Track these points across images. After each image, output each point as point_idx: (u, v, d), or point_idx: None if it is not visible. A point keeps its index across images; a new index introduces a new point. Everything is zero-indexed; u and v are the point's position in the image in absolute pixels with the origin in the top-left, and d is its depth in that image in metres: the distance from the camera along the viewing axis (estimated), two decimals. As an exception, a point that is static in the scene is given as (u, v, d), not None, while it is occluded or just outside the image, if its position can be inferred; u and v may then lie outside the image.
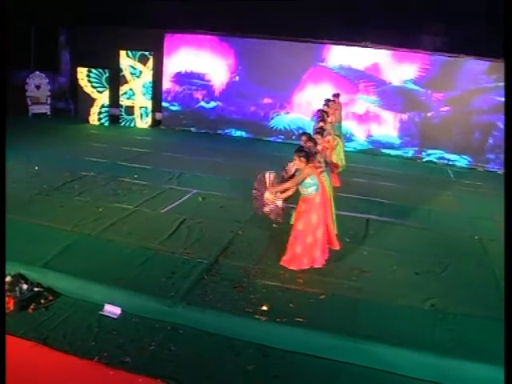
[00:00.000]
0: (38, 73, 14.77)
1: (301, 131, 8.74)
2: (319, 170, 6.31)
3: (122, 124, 14.66)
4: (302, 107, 13.93)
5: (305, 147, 6.18)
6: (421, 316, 5.19)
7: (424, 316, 5.20)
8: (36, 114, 14.70)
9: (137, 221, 7.19)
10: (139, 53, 14.19)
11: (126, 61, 14.27)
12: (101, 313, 5.10)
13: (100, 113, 14.45)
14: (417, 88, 13.19)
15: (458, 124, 13.09)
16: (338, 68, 13.56)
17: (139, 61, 14.25)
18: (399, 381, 4.41)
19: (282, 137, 14.31)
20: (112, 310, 5.13)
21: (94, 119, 14.46)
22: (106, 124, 14.51)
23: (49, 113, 14.96)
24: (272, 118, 14.38)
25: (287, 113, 14.24)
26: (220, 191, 8.82)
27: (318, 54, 13.71)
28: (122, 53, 14.21)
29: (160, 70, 14.60)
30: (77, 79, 14.41)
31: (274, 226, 7.03)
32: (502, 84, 12.05)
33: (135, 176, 9.35)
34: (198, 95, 14.77)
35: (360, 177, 10.34)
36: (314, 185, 5.86)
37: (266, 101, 14.33)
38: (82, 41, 14.97)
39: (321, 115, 8.40)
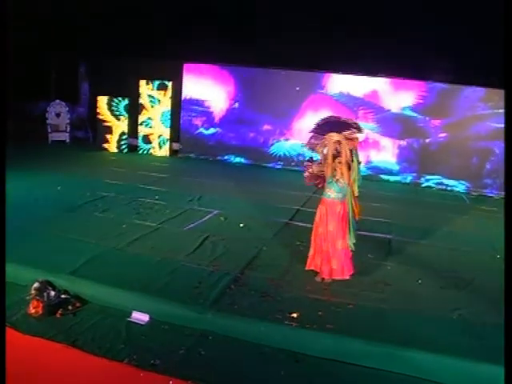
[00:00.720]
0: (58, 101, 15.12)
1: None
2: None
3: (140, 152, 14.84)
4: (302, 134, 14.04)
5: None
6: (449, 324, 5.14)
7: (452, 324, 5.14)
8: (55, 141, 14.97)
9: (161, 237, 7.22)
10: (158, 82, 14.48)
11: (145, 89, 14.56)
12: (128, 319, 5.08)
13: (119, 141, 14.67)
14: (415, 115, 13.39)
15: (455, 150, 13.23)
16: (337, 95, 13.79)
17: (158, 89, 14.53)
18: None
19: (282, 163, 14.48)
20: (140, 316, 5.12)
21: (112, 147, 14.67)
22: (125, 152, 14.69)
23: (68, 140, 15.24)
24: (272, 145, 14.54)
25: (287, 139, 14.39)
26: (240, 212, 8.87)
27: (318, 82, 13.98)
28: (142, 82, 14.51)
29: (179, 99, 14.83)
30: (96, 108, 14.70)
31: (298, 243, 7.05)
32: (497, 111, 12.40)
33: (156, 197, 9.43)
34: (198, 122, 14.96)
35: (370, 201, 10.34)
36: (342, 191, 5.88)
37: (266, 127, 14.53)
38: (102, 71, 15.33)
39: None
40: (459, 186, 13.36)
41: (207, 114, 14.92)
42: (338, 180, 5.85)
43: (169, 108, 14.68)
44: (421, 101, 13.32)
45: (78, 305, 5.27)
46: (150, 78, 14.58)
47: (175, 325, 4.99)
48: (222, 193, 10.38)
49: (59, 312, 5.10)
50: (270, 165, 14.56)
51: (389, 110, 13.54)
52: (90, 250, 6.35)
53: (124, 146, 14.77)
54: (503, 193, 12.37)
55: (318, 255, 6.06)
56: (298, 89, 13.96)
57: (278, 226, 8.28)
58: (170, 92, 14.61)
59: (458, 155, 13.27)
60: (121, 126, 14.61)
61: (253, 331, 4.87)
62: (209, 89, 14.73)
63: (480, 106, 12.95)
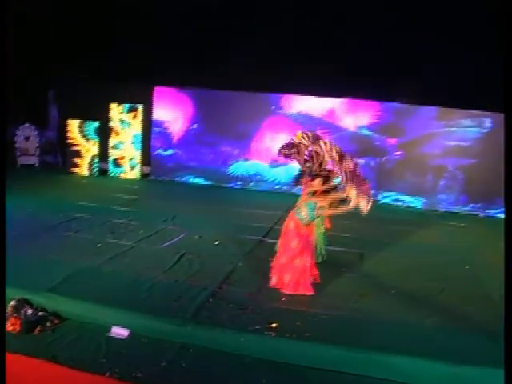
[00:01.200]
0: (27, 124, 15.00)
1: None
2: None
3: (111, 175, 14.81)
4: (261, 154, 14.33)
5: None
6: (424, 330, 5.31)
7: (427, 330, 5.31)
8: (24, 164, 14.80)
9: (137, 255, 7.25)
10: (128, 105, 14.56)
11: (115, 113, 14.61)
12: (108, 334, 5.08)
13: (90, 164, 14.61)
14: (371, 134, 13.78)
15: (411, 167, 13.68)
16: (295, 115, 14.14)
17: (128, 112, 14.59)
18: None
19: (240, 183, 14.74)
20: (119, 331, 5.12)
21: (83, 170, 14.60)
22: (96, 175, 14.64)
23: (37, 164, 15.09)
24: (230, 165, 14.73)
25: (246, 160, 14.59)
26: (214, 231, 8.92)
27: (277, 103, 14.33)
28: (112, 105, 14.56)
29: (149, 122, 14.92)
30: (66, 132, 14.65)
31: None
32: (450, 129, 13.11)
33: (129, 218, 9.42)
34: (156, 143, 15.06)
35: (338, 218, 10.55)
36: (311, 213, 6.07)
37: (225, 148, 14.73)
38: (71, 95, 15.30)
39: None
40: (415, 202, 13.74)
41: (165, 136, 15.05)
42: (314, 201, 6.05)
43: (139, 131, 14.71)
44: (377, 120, 13.76)
45: (56, 322, 5.24)
46: (120, 102, 14.63)
47: (155, 338, 5.02)
48: (194, 213, 10.44)
49: (37, 329, 5.06)
50: (230, 185, 14.74)
51: (346, 129, 13.91)
52: (67, 268, 6.32)
53: (95, 170, 14.71)
54: (459, 207, 12.90)
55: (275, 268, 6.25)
56: (273, 107, 14.24)
57: (252, 243, 8.38)
58: (140, 115, 14.66)
59: (414, 172, 13.71)
60: (91, 149, 14.57)
61: (233, 342, 4.93)
62: (167, 110, 14.88)
63: (434, 125, 13.43)
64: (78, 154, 14.60)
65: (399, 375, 4.56)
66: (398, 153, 13.72)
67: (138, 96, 14.75)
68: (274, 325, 5.14)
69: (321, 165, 6.63)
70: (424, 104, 13.41)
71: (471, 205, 13.35)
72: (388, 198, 13.81)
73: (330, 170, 6.55)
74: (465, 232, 10.98)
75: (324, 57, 13.34)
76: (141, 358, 4.69)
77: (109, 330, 5.13)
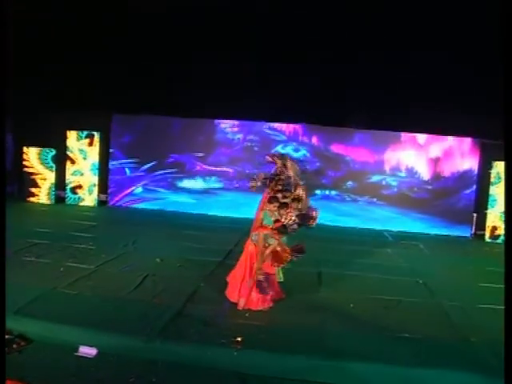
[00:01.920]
0: (-19, 153, 14.74)
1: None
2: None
3: (69, 202, 14.72)
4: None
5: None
6: (383, 339, 5.62)
7: (386, 339, 5.63)
8: (-22, 193, 14.51)
9: (100, 277, 7.33)
10: (86, 132, 14.60)
11: (72, 140, 14.61)
12: (76, 354, 5.15)
13: (47, 192, 14.50)
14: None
15: None
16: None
17: (85, 139, 14.62)
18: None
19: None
20: (87, 350, 5.21)
21: (40, 198, 14.47)
22: (53, 203, 14.53)
23: (-9, 193, 14.81)
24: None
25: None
26: (174, 254, 9.06)
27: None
28: (69, 133, 14.57)
29: (107, 149, 14.97)
30: (22, 160, 14.53)
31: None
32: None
33: (90, 243, 9.45)
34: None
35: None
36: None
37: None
38: (28, 122, 15.17)
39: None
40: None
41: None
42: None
43: (97, 159, 14.74)
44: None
45: (22, 343, 5.28)
46: (76, 129, 14.64)
47: (124, 355, 5.12)
48: (153, 237, 10.56)
49: (6, 350, 5.07)
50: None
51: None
52: (31, 291, 6.36)
53: (52, 197, 14.60)
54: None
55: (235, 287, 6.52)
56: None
57: (213, 264, 8.54)
58: (97, 142, 14.71)
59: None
60: (48, 177, 14.49)
61: (200, 356, 5.10)
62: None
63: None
64: (35, 182, 14.45)
65: (356, 380, 4.82)
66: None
67: (95, 123, 14.78)
68: (238, 338, 5.32)
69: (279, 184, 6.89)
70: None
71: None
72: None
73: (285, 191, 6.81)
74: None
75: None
76: (110, 375, 4.79)
77: (76, 349, 5.20)
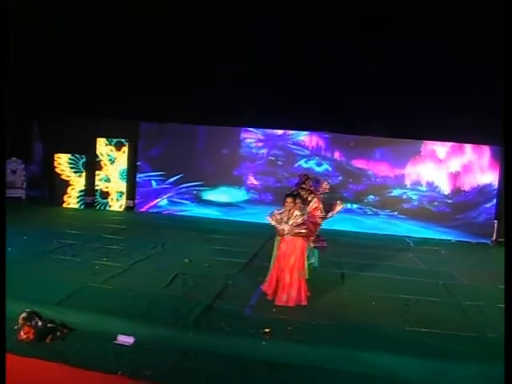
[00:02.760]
0: (14, 158, 15.35)
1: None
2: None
3: (97, 207, 15.22)
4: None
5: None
6: (403, 332, 5.90)
7: (405, 334, 5.90)
8: (11, 197, 15.07)
9: (133, 275, 7.71)
10: (115, 140, 15.12)
11: (102, 147, 15.14)
12: (115, 342, 5.51)
13: (76, 197, 15.03)
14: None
15: None
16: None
17: (115, 147, 15.14)
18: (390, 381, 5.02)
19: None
20: (125, 339, 5.56)
21: (69, 203, 14.99)
22: (82, 207, 15.04)
23: (23, 197, 15.40)
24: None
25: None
26: (202, 256, 9.42)
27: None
28: (99, 140, 15.10)
29: (135, 156, 15.46)
30: (53, 166, 15.08)
31: (260, 278, 7.68)
32: None
33: (121, 245, 9.86)
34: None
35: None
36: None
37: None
38: (58, 129, 15.72)
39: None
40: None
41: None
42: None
43: (125, 166, 15.24)
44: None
45: (65, 331, 5.66)
46: (105, 136, 15.17)
47: (159, 344, 5.46)
48: (181, 240, 10.97)
49: (49, 337, 5.48)
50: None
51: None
52: (70, 286, 6.77)
53: (81, 202, 15.12)
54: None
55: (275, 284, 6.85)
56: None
57: (240, 265, 8.88)
58: (126, 150, 15.21)
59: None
60: (78, 182, 15.02)
61: (230, 346, 5.43)
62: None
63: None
64: (65, 188, 14.99)
65: (379, 370, 5.10)
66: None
67: (124, 131, 15.29)
68: (267, 330, 5.64)
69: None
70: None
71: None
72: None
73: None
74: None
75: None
76: (147, 360, 5.14)
77: (115, 338, 5.56)
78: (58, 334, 5.59)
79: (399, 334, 5.90)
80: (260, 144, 15.04)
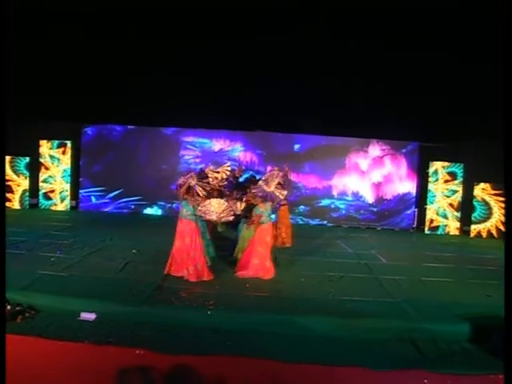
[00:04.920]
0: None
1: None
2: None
3: (42, 208, 15.64)
4: None
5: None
6: (327, 302, 7.07)
7: (330, 302, 7.07)
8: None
9: (87, 264, 8.48)
10: (58, 141, 15.60)
11: (45, 149, 15.59)
12: (78, 318, 6.33)
13: (20, 198, 15.40)
14: None
15: None
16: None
17: (57, 148, 15.62)
18: (315, 340, 6.10)
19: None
20: (88, 316, 6.39)
21: (14, 204, 15.34)
22: (27, 208, 15.42)
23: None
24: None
25: None
26: (148, 247, 10.22)
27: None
28: (42, 142, 15.54)
29: (77, 157, 15.98)
30: (-4, 168, 15.35)
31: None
32: None
33: (71, 240, 10.53)
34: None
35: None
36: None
37: None
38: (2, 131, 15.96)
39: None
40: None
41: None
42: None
43: (69, 166, 15.74)
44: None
45: (33, 312, 6.42)
46: (48, 138, 15.61)
47: (118, 318, 6.33)
48: (125, 234, 11.76)
49: (19, 318, 6.23)
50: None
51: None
52: (30, 275, 7.49)
53: (26, 203, 15.49)
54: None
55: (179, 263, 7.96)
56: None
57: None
58: (69, 151, 15.71)
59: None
60: (23, 184, 15.38)
61: (179, 316, 6.38)
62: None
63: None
64: (8, 189, 15.32)
65: (308, 331, 6.21)
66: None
67: (66, 133, 15.78)
68: (211, 302, 6.62)
69: None
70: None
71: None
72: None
73: None
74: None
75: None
76: (109, 331, 5.99)
77: (78, 315, 6.38)
78: (27, 314, 6.34)
79: (325, 302, 7.04)
80: (198, 160, 15.81)
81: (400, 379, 5.17)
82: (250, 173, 12.57)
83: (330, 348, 5.84)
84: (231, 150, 15.97)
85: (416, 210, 15.81)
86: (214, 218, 7.91)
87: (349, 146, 15.80)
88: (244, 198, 8.73)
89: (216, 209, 7.83)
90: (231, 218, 8.05)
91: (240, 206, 8.69)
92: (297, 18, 13.71)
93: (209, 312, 6.42)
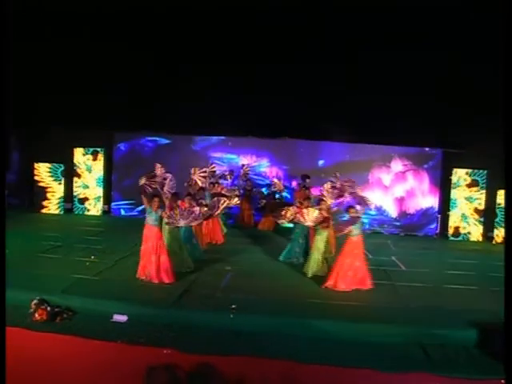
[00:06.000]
0: (-9, 167, 16.29)
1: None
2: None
3: (76, 212, 16.41)
4: None
5: None
6: (340, 305, 7.48)
7: (342, 306, 7.48)
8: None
9: (120, 269, 9.11)
10: (91, 149, 16.35)
11: (79, 156, 16.35)
12: (111, 320, 6.91)
13: (57, 203, 16.20)
14: None
15: None
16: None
17: (92, 156, 16.37)
18: (329, 342, 6.55)
19: None
20: (120, 317, 6.97)
21: (49, 209, 16.14)
22: (62, 213, 16.19)
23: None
24: None
25: None
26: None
27: None
28: (76, 149, 16.31)
29: (110, 164, 16.69)
30: (32, 174, 16.19)
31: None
32: None
33: (104, 244, 11.18)
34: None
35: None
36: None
37: None
38: (37, 139, 16.73)
39: None
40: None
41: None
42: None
43: (102, 173, 16.47)
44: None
45: (70, 313, 7.02)
46: (83, 146, 16.36)
47: (148, 320, 6.89)
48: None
49: (58, 318, 6.84)
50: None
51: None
52: (67, 279, 8.12)
53: (61, 208, 16.27)
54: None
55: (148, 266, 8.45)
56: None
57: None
58: (102, 158, 16.44)
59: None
60: (57, 189, 16.17)
61: (206, 319, 6.90)
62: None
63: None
64: (44, 194, 16.14)
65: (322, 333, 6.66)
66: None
67: (99, 141, 16.50)
68: (233, 306, 7.12)
69: None
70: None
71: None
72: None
73: None
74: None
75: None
76: (140, 331, 6.55)
77: (111, 317, 6.96)
78: (65, 315, 6.95)
79: (339, 307, 7.47)
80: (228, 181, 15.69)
81: (406, 381, 5.57)
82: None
83: (342, 350, 6.29)
84: (258, 165, 16.29)
85: (439, 216, 15.96)
86: (181, 224, 8.57)
87: (372, 162, 15.88)
88: (319, 207, 9.41)
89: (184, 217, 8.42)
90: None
91: (310, 215, 9.17)
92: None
93: (231, 315, 6.90)
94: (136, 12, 14.84)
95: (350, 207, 8.91)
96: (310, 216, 9.14)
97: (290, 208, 9.70)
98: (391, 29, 13.91)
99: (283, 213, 9.47)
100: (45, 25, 15.14)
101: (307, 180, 13.73)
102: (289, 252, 10.46)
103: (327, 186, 10.24)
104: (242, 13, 14.32)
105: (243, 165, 15.45)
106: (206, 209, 9.28)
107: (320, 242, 9.36)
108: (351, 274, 8.48)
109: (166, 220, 8.49)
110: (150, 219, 8.49)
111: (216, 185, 12.97)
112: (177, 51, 15.52)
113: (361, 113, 14.70)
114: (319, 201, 9.74)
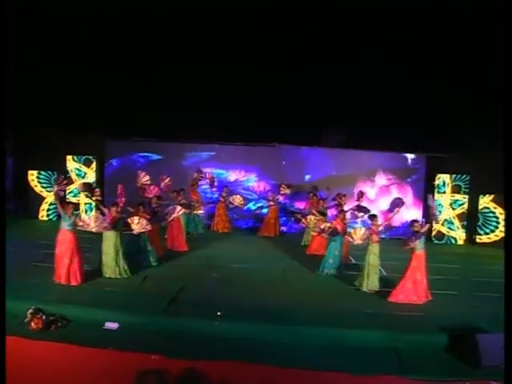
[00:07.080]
0: (-16, 173, 16.58)
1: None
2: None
3: (69, 219, 16.69)
4: None
5: None
6: (316, 312, 7.90)
7: (319, 312, 7.90)
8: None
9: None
10: (84, 157, 16.67)
11: (72, 164, 16.67)
12: (103, 327, 7.30)
13: (48, 210, 16.52)
14: None
15: None
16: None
17: (84, 164, 16.70)
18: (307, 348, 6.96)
19: None
20: (111, 325, 7.37)
21: (42, 215, 16.46)
22: (54, 219, 16.50)
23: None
24: None
25: None
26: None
27: None
28: (68, 157, 16.62)
29: (102, 172, 17.00)
30: (27, 181, 16.49)
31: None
32: None
33: (96, 253, 11.48)
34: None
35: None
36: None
37: None
38: (30, 146, 16.96)
39: None
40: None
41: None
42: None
43: (94, 180, 16.78)
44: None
45: (64, 322, 7.41)
46: (75, 154, 16.66)
47: (138, 327, 7.29)
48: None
49: (53, 326, 7.21)
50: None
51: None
52: (61, 288, 8.53)
53: (53, 215, 16.58)
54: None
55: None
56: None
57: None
58: (94, 166, 16.76)
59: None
60: (50, 196, 16.46)
61: (191, 325, 7.31)
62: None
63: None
64: (38, 201, 16.45)
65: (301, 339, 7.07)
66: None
67: (92, 148, 16.80)
68: (219, 313, 7.52)
69: None
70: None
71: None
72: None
73: None
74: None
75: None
76: (130, 338, 6.95)
77: (103, 324, 7.35)
78: (60, 324, 7.33)
79: (314, 314, 7.89)
80: (214, 189, 16.30)
81: (378, 383, 6.00)
82: None
83: (319, 355, 6.71)
84: (246, 180, 16.68)
85: (423, 220, 16.37)
86: (93, 230, 9.21)
87: (357, 176, 16.32)
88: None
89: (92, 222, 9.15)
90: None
91: (358, 234, 9.66)
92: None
93: (216, 323, 7.32)
94: (132, 16, 15.02)
95: (414, 221, 9.24)
96: (358, 235, 9.56)
97: (308, 217, 11.30)
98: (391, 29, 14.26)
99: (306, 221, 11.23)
100: (35, 30, 15.37)
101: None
102: (324, 264, 10.67)
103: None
104: (241, 13, 14.50)
105: (206, 172, 15.75)
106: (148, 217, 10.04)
107: (373, 256, 9.58)
108: (411, 285, 8.75)
109: (79, 224, 9.08)
110: (65, 224, 9.03)
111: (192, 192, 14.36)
112: (167, 55, 15.62)
113: (348, 118, 15.11)
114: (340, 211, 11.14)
